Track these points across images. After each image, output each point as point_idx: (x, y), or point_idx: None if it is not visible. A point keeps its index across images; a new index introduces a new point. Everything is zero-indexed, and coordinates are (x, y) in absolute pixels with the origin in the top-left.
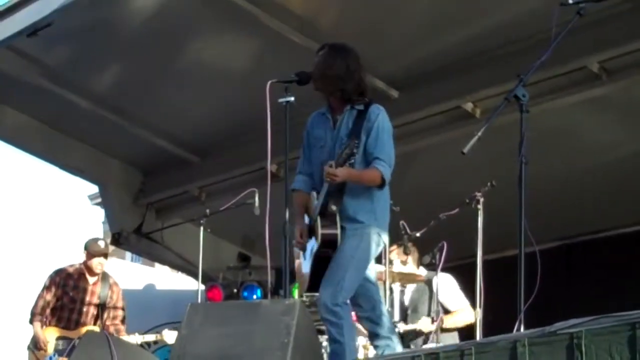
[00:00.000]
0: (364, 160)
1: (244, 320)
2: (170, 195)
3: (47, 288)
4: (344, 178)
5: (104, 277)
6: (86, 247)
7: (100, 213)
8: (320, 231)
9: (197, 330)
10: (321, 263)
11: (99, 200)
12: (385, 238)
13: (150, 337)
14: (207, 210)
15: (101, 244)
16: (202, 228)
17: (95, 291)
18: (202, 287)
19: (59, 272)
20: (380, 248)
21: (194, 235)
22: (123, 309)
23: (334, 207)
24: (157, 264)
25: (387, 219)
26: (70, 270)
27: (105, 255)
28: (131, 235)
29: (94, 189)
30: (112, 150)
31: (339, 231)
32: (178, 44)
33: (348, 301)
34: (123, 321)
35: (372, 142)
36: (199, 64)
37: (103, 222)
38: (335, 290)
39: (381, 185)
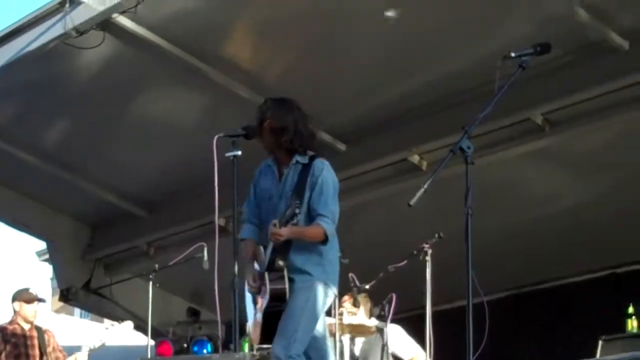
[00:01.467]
0: (307, 216)
1: None
2: (119, 250)
3: None
4: (287, 236)
5: (37, 326)
6: (18, 298)
7: (48, 269)
8: (269, 286)
9: None
10: (272, 317)
11: (47, 256)
12: (334, 290)
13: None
14: (156, 265)
15: (32, 291)
16: (151, 283)
17: (34, 337)
18: (152, 342)
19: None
20: (330, 300)
21: (143, 290)
22: (62, 352)
23: (281, 263)
24: (106, 320)
25: (337, 271)
26: (5, 324)
27: (41, 301)
28: (80, 291)
29: (42, 245)
30: (59, 206)
31: (287, 286)
32: (126, 98)
33: (301, 353)
34: None
35: (315, 197)
36: (146, 118)
37: (51, 279)
38: (289, 342)
39: (324, 242)
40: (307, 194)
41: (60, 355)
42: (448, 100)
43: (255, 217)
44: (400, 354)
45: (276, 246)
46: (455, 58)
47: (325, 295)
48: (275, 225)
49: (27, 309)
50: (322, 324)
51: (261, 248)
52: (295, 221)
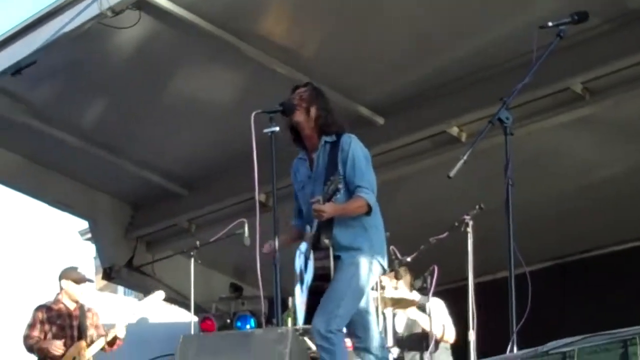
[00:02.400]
0: (346, 192)
1: (237, 350)
2: (160, 228)
3: (32, 326)
4: (331, 213)
5: (82, 305)
6: (66, 276)
7: (91, 248)
8: (313, 265)
9: None
10: (316, 297)
11: (90, 235)
12: (383, 263)
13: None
14: (197, 242)
15: (81, 271)
16: (192, 260)
17: (77, 317)
18: (195, 318)
19: (41, 308)
20: (375, 277)
21: (185, 267)
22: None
23: (326, 241)
24: None
25: (384, 245)
26: (48, 304)
27: (88, 281)
28: (122, 269)
29: (84, 224)
30: (100, 185)
31: (332, 264)
32: (162, 77)
33: (343, 329)
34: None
35: (350, 171)
36: (184, 97)
37: (94, 258)
38: (330, 317)
39: (368, 212)
40: (340, 171)
41: (101, 333)
42: (486, 71)
43: (298, 218)
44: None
45: (320, 223)
46: (492, 29)
47: (370, 271)
48: (318, 201)
49: (75, 289)
50: (366, 300)
51: (307, 227)
52: (338, 196)
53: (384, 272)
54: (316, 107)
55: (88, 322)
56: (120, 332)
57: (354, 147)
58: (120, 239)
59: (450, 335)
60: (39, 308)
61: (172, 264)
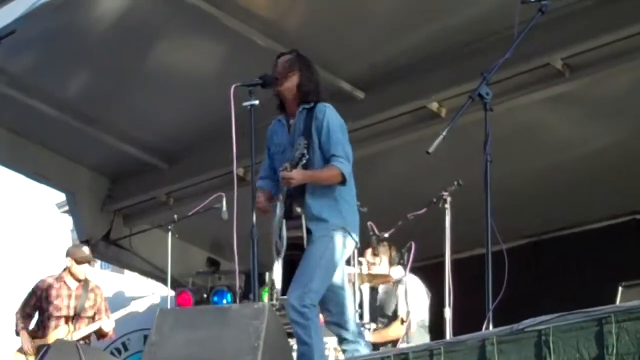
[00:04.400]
0: (322, 160)
1: (213, 325)
2: (138, 202)
3: (25, 303)
4: (300, 180)
5: (85, 283)
6: (71, 255)
7: (68, 221)
8: (285, 234)
9: (167, 336)
10: (291, 266)
11: (67, 208)
12: (354, 237)
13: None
14: (175, 216)
15: (86, 250)
16: (170, 234)
17: (78, 296)
18: (172, 292)
19: (41, 285)
20: (349, 250)
21: (162, 241)
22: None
23: (298, 209)
24: (126, 271)
25: (356, 218)
26: (51, 280)
27: (90, 262)
28: (100, 242)
29: (61, 197)
30: (78, 157)
31: (304, 233)
32: (143, 49)
33: (317, 303)
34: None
35: (325, 140)
36: (164, 68)
37: (71, 230)
38: (303, 292)
39: (343, 182)
40: (315, 138)
41: (101, 317)
42: (467, 46)
43: (270, 171)
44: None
45: (292, 191)
46: (474, 4)
47: (343, 245)
48: (286, 168)
49: (78, 269)
50: (341, 275)
51: (280, 196)
52: (304, 162)
53: (356, 247)
54: (298, 75)
55: (87, 303)
56: (107, 325)
57: (329, 116)
58: (98, 212)
59: (418, 315)
60: (40, 283)
61: (149, 237)
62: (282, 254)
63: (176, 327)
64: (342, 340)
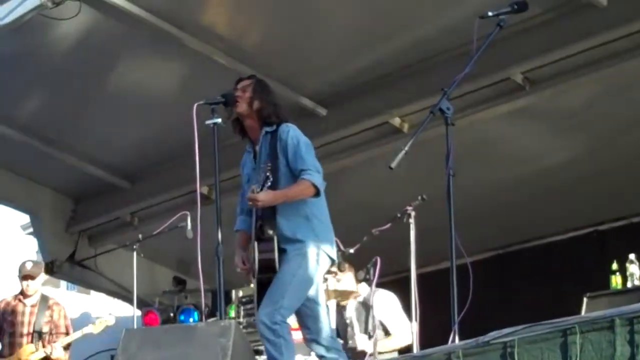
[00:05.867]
0: (291, 179)
1: (180, 344)
2: (103, 222)
3: None
4: (267, 201)
5: (43, 300)
6: (18, 271)
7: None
8: (257, 257)
9: (134, 356)
10: (263, 288)
11: (32, 229)
12: (331, 254)
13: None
14: (140, 235)
15: (27, 265)
16: (135, 253)
17: (33, 314)
18: (138, 312)
19: (0, 303)
20: (324, 267)
21: (127, 261)
22: (66, 332)
23: (270, 232)
24: (92, 292)
25: (330, 234)
26: (9, 298)
27: (28, 277)
28: (64, 263)
29: (26, 218)
30: (41, 179)
31: (276, 255)
32: (103, 69)
33: (288, 320)
34: (67, 347)
35: (292, 159)
36: (125, 88)
37: (37, 252)
38: (274, 308)
39: (316, 194)
40: (281, 159)
41: (60, 331)
42: (427, 62)
43: (245, 206)
44: (387, 325)
45: (263, 214)
46: (432, 19)
47: (317, 262)
48: (253, 191)
49: (23, 284)
50: (315, 291)
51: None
52: (268, 184)
53: (333, 263)
54: (259, 100)
55: (44, 320)
56: (57, 351)
57: (292, 135)
58: (62, 233)
59: (399, 341)
60: (1, 301)
61: (114, 257)
62: (255, 276)
63: (143, 347)
64: (320, 358)
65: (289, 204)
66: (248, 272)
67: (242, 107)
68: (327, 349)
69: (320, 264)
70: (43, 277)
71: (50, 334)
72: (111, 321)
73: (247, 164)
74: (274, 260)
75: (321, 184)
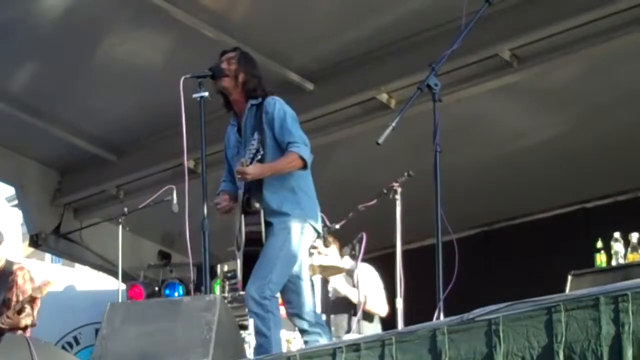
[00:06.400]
0: (279, 152)
1: (164, 318)
2: (88, 195)
3: None
4: (256, 174)
5: (8, 265)
6: None
7: (18, 215)
8: (244, 229)
9: (118, 330)
10: (250, 261)
11: (16, 202)
12: (317, 227)
13: None
14: (126, 209)
15: None
16: (120, 227)
17: None
18: (123, 286)
19: None
20: (309, 240)
21: (113, 235)
22: (30, 298)
23: (257, 205)
24: (77, 265)
25: (316, 208)
26: None
27: None
28: (49, 236)
29: (11, 190)
30: (27, 151)
31: (262, 228)
32: (91, 41)
33: (277, 295)
34: (20, 312)
35: (278, 131)
36: (112, 60)
37: (22, 224)
38: (263, 283)
39: (304, 166)
40: (267, 132)
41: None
42: (415, 37)
43: (230, 176)
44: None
45: (249, 186)
46: None
47: (301, 234)
48: (242, 164)
49: None
50: (299, 266)
51: (240, 193)
52: (259, 157)
53: (319, 236)
54: (243, 73)
55: (6, 286)
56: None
57: (279, 108)
58: (47, 205)
59: (374, 305)
60: None
61: (100, 231)
62: (242, 249)
63: (127, 321)
64: (302, 332)
65: (275, 177)
66: (226, 211)
67: (226, 81)
68: (310, 324)
69: (305, 235)
70: (5, 245)
71: (17, 300)
72: (54, 282)
73: (232, 137)
74: (260, 233)
75: (309, 157)
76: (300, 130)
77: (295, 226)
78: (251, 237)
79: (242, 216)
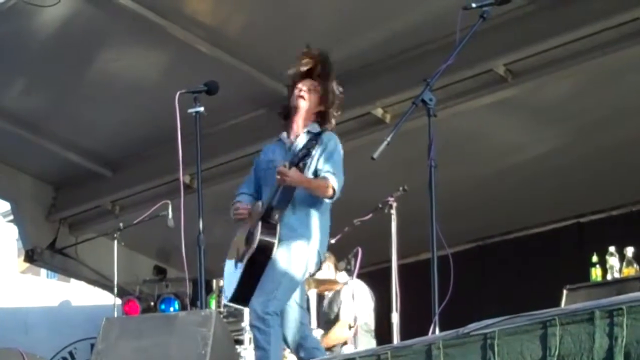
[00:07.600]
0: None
1: (160, 333)
2: (84, 210)
3: None
4: (294, 180)
5: None
6: None
7: (14, 230)
8: (258, 236)
9: (113, 345)
10: (252, 268)
11: (12, 217)
12: (322, 257)
13: None
14: (121, 224)
15: None
16: (116, 242)
17: None
18: (119, 301)
19: None
20: (315, 268)
21: (108, 250)
22: None
23: (277, 216)
24: (72, 280)
25: (327, 240)
26: None
27: None
28: (45, 251)
29: (6, 205)
30: (22, 166)
31: (276, 241)
32: (86, 57)
33: (279, 312)
34: None
35: (323, 160)
36: (108, 76)
37: (17, 239)
38: (268, 299)
39: (331, 197)
40: (314, 162)
41: None
42: (411, 53)
43: (251, 189)
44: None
45: (279, 197)
46: (416, 10)
47: (310, 261)
48: (285, 166)
49: None
50: (299, 290)
51: (259, 203)
52: (307, 161)
53: (319, 268)
54: (325, 104)
55: None
56: None
57: (334, 144)
58: (43, 220)
59: (362, 318)
60: None
61: (95, 246)
62: (248, 255)
63: (123, 336)
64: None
65: (306, 199)
66: (245, 217)
67: (302, 103)
68: (303, 349)
69: (311, 263)
70: None
71: None
72: None
73: (273, 152)
74: (273, 245)
75: (338, 192)
76: (342, 171)
77: (306, 250)
78: (263, 245)
79: (260, 223)
